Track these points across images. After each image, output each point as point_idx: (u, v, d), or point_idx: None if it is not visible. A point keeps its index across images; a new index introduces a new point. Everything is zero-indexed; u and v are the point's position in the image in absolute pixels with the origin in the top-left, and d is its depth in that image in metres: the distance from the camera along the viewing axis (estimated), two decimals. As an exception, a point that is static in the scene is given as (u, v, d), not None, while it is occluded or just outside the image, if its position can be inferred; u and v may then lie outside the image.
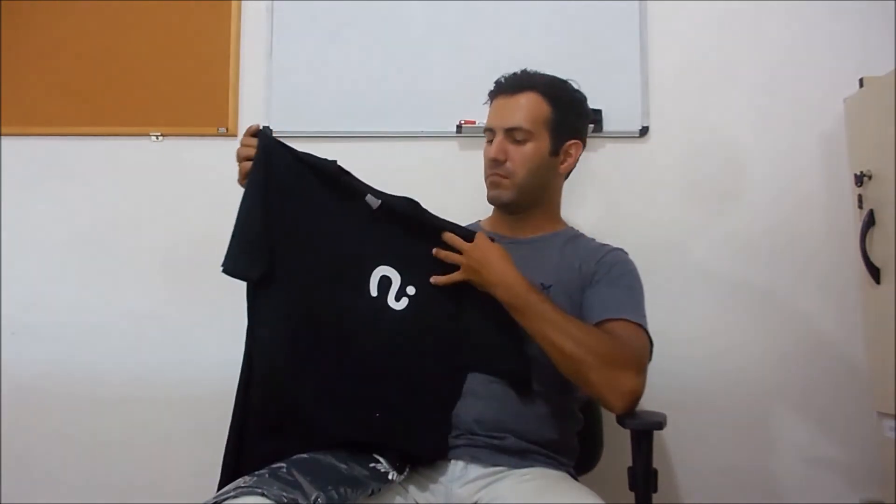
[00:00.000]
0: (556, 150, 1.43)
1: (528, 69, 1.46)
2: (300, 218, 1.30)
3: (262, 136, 1.29)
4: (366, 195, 1.31)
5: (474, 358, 1.31)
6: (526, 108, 1.40)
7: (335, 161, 1.33)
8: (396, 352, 1.28)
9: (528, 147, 1.40)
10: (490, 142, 1.42)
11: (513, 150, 1.39)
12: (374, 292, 1.30)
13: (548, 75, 1.46)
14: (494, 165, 1.40)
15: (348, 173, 1.32)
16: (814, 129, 1.87)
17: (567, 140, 1.44)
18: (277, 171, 1.28)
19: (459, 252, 1.29)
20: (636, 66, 1.88)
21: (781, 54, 1.90)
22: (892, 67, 1.63)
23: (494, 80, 1.47)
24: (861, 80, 1.74)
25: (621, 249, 1.45)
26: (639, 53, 1.89)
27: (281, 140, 1.32)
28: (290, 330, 1.26)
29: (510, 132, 1.40)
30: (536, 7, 1.90)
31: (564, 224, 1.51)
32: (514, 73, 1.45)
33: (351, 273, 1.31)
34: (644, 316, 1.31)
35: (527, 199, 1.43)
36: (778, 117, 1.88)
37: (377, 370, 1.27)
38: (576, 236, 1.49)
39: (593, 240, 1.49)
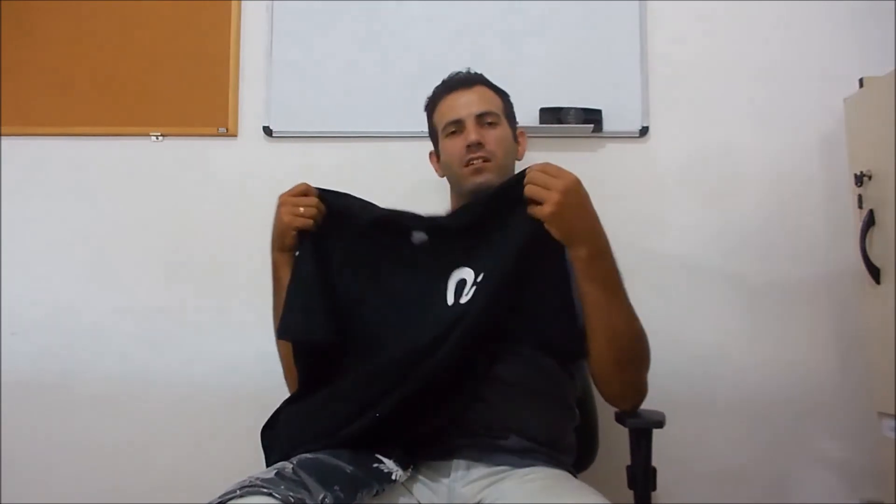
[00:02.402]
0: (514, 137, 1.50)
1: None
2: (365, 270, 1.28)
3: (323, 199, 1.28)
4: (411, 233, 1.27)
5: (527, 330, 1.22)
6: (487, 97, 1.46)
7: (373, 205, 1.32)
8: (440, 350, 1.19)
9: (499, 130, 1.44)
10: (452, 134, 1.44)
11: (486, 133, 1.42)
12: (450, 300, 1.24)
13: None
14: (475, 150, 1.40)
15: (388, 213, 1.30)
16: (814, 129, 1.87)
17: (516, 128, 1.51)
18: (330, 229, 1.28)
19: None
20: (636, 66, 1.88)
21: (781, 54, 1.90)
22: (892, 67, 1.63)
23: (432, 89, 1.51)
24: (861, 80, 1.74)
25: None
26: (639, 53, 1.89)
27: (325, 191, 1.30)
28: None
29: (481, 117, 1.42)
30: (536, 7, 1.90)
31: None
32: (460, 72, 1.51)
33: (424, 293, 1.26)
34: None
35: None
36: (778, 117, 1.88)
37: (406, 370, 1.19)
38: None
39: None
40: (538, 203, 1.15)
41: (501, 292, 1.19)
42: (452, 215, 1.32)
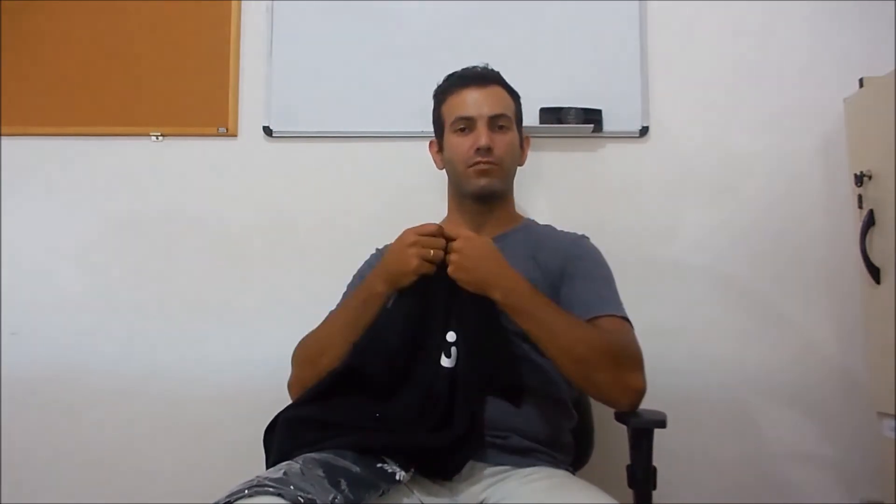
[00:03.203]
0: (521, 143, 1.48)
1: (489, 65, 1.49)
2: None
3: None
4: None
5: (477, 376, 1.25)
6: (501, 99, 1.43)
7: None
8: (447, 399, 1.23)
9: (509, 135, 1.43)
10: (461, 131, 1.42)
11: (497, 137, 1.40)
12: (445, 363, 1.25)
13: None
14: (484, 153, 1.38)
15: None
16: (814, 130, 1.87)
17: (523, 132, 1.50)
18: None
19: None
20: (636, 66, 1.88)
21: (781, 54, 1.90)
22: (892, 67, 1.63)
23: (452, 73, 1.49)
24: (861, 81, 1.74)
25: (584, 237, 1.47)
26: (639, 53, 1.89)
27: None
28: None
29: (494, 119, 1.40)
30: (537, 7, 1.90)
31: (522, 216, 1.53)
32: (477, 67, 1.47)
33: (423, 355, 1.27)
34: (623, 306, 1.31)
35: (506, 190, 1.45)
36: (778, 117, 1.88)
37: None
38: (535, 227, 1.50)
39: (552, 228, 1.50)
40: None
41: (474, 347, 1.25)
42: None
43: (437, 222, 1.51)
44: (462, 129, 1.42)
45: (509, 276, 1.22)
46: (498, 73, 1.47)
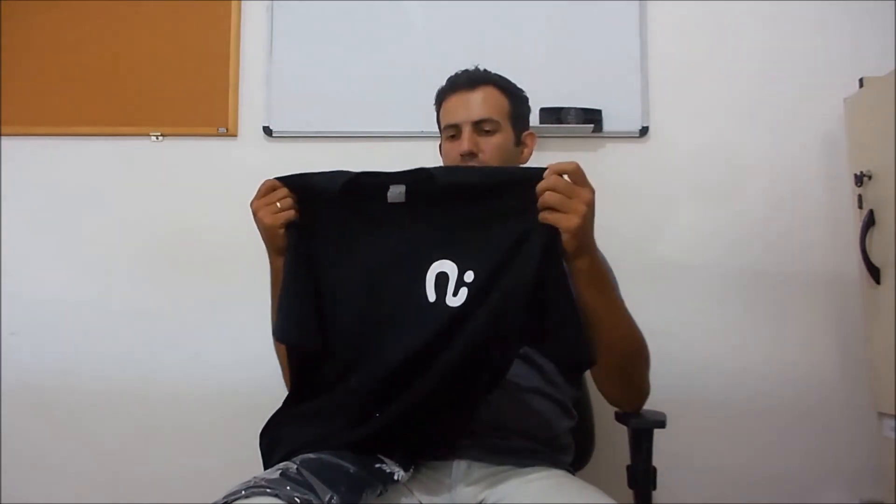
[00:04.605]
0: (518, 141, 1.45)
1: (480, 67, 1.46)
2: (341, 255, 1.17)
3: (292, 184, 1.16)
4: (386, 188, 1.13)
5: (537, 343, 1.13)
6: (489, 101, 1.41)
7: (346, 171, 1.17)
8: (444, 355, 1.09)
9: (497, 138, 1.40)
10: (451, 138, 1.42)
11: (483, 141, 1.39)
12: (431, 297, 1.12)
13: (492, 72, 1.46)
14: (468, 159, 1.38)
15: (362, 173, 1.16)
16: (814, 129, 1.88)
17: (523, 131, 1.47)
18: (306, 218, 1.17)
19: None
20: (636, 66, 1.89)
21: (781, 54, 1.90)
22: (892, 67, 1.63)
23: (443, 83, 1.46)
24: (861, 80, 1.74)
25: None
26: (639, 53, 1.89)
27: (291, 176, 1.19)
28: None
29: (479, 124, 1.39)
30: (537, 7, 1.91)
31: None
32: (467, 70, 1.46)
33: (402, 285, 1.13)
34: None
35: None
36: (778, 117, 1.88)
37: (410, 375, 1.11)
38: None
39: None
40: (556, 210, 1.06)
41: (506, 302, 1.07)
42: (442, 169, 1.16)
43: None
44: (452, 136, 1.42)
45: (594, 243, 1.12)
46: (488, 72, 1.45)
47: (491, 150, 1.39)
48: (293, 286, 1.18)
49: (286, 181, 1.19)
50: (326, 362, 1.19)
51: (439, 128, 1.51)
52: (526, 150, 1.49)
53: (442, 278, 1.12)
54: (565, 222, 1.06)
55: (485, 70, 1.46)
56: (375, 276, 1.16)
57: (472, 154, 1.38)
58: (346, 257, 1.18)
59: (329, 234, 1.19)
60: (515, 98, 1.46)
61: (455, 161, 1.40)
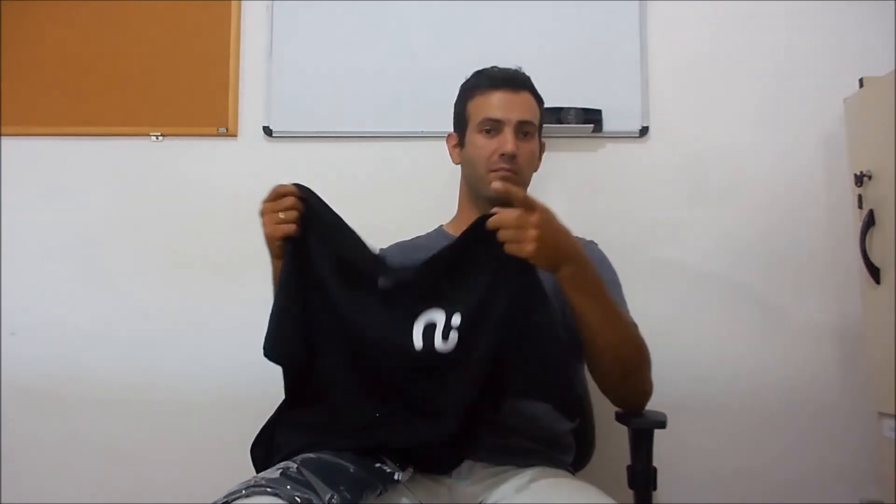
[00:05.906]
0: (540, 151, 1.47)
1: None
2: (332, 282, 1.19)
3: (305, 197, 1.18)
4: (377, 278, 1.17)
5: (521, 382, 1.15)
6: (531, 106, 1.42)
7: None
8: (442, 391, 1.14)
9: (532, 144, 1.42)
10: (487, 131, 1.39)
11: (521, 145, 1.38)
12: (419, 345, 1.14)
13: None
14: (507, 160, 1.36)
15: (355, 254, 1.20)
16: (814, 130, 1.88)
17: (541, 139, 1.48)
18: (309, 229, 1.19)
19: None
20: (636, 66, 1.88)
21: (781, 54, 1.90)
22: (892, 67, 1.63)
23: (483, 69, 1.45)
24: (861, 80, 1.74)
25: (593, 242, 1.47)
26: (639, 53, 1.89)
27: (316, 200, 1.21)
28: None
29: (522, 125, 1.38)
30: (537, 7, 1.91)
31: None
32: (510, 69, 1.45)
33: (391, 341, 1.15)
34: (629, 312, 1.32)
35: None
36: (778, 117, 1.88)
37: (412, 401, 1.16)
38: None
39: None
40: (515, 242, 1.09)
41: (495, 338, 1.11)
42: (420, 272, 1.18)
43: (442, 223, 1.52)
44: (488, 131, 1.39)
45: (578, 252, 1.14)
46: (529, 78, 1.44)
47: (525, 155, 1.39)
48: (284, 300, 1.20)
49: (301, 190, 1.20)
50: (317, 375, 1.21)
51: (461, 118, 1.46)
52: (540, 159, 1.49)
53: (430, 329, 1.15)
54: (521, 251, 1.08)
55: (523, 74, 1.45)
56: (361, 328, 1.18)
57: (512, 156, 1.36)
58: (336, 287, 1.19)
59: (324, 254, 1.20)
60: (542, 107, 1.46)
61: (488, 158, 1.38)
